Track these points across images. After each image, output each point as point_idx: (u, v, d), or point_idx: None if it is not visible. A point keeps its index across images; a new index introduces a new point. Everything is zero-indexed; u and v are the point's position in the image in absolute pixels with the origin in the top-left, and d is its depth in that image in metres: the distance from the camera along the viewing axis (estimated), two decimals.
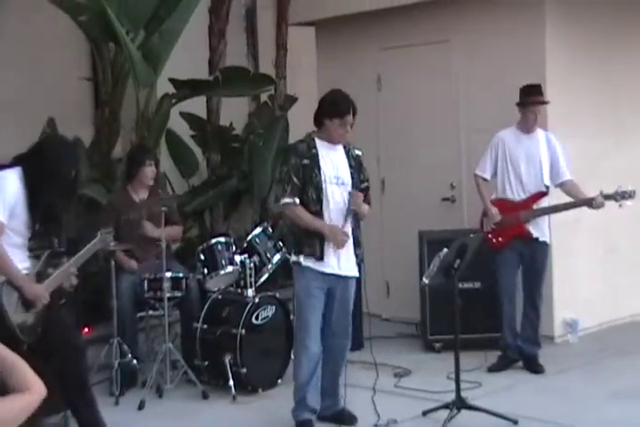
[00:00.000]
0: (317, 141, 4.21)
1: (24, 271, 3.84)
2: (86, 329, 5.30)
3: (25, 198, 3.80)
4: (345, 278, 4.26)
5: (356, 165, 4.28)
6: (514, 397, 4.78)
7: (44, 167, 3.84)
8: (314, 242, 4.14)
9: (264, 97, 7.63)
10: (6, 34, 5.94)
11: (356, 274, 4.29)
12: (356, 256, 4.25)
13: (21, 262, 3.84)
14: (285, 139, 7.13)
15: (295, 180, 4.14)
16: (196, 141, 7.12)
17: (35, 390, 1.88)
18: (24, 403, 1.85)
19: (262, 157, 6.99)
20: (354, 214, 4.21)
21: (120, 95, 6.28)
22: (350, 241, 4.20)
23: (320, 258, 4.14)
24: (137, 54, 5.80)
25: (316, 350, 4.22)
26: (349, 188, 4.21)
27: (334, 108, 4.15)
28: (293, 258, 4.22)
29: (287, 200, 4.17)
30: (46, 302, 3.85)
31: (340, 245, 4.12)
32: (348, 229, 4.19)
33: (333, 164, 4.22)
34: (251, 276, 5.13)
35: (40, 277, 3.90)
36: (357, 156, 4.32)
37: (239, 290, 5.22)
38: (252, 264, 5.15)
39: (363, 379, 4.84)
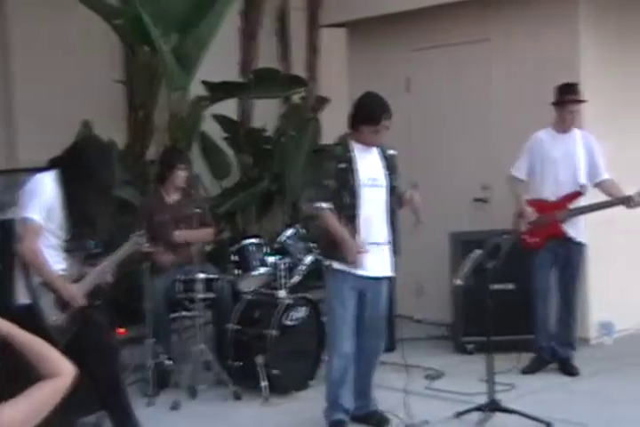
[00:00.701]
0: (353, 144, 4.20)
1: (60, 272, 3.88)
2: (121, 330, 5.34)
3: (61, 201, 3.85)
4: (378, 279, 4.24)
5: (391, 166, 4.28)
6: (547, 399, 4.73)
7: (79, 170, 3.88)
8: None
9: (295, 99, 7.64)
10: (43, 37, 6.01)
11: (389, 274, 4.27)
12: (394, 252, 4.24)
13: (57, 264, 3.88)
14: (316, 141, 7.13)
15: (329, 183, 4.12)
16: (228, 143, 7.15)
17: (64, 374, 1.94)
18: (54, 388, 1.91)
19: (293, 158, 7.00)
20: (390, 215, 4.19)
21: (153, 98, 6.33)
22: (384, 239, 4.18)
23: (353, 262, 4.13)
24: (170, 57, 5.84)
25: (348, 351, 4.21)
26: (385, 189, 4.21)
27: (369, 115, 4.13)
28: (326, 260, 4.21)
29: (319, 204, 4.15)
30: (81, 303, 3.89)
31: (351, 260, 4.07)
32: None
33: (369, 166, 4.21)
34: (283, 277, 5.14)
35: (75, 278, 3.94)
36: (391, 156, 4.31)
37: (271, 291, 5.23)
38: (283, 265, 5.16)
39: (394, 381, 4.81)
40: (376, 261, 4.19)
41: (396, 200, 4.27)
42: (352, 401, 4.32)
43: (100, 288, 4.03)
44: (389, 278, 4.34)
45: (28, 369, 1.95)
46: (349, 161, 4.14)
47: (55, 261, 3.87)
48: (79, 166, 3.89)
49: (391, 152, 4.30)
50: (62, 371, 1.96)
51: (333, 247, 4.12)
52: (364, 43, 6.95)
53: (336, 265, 4.15)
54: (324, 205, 4.13)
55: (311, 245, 5.28)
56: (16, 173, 5.79)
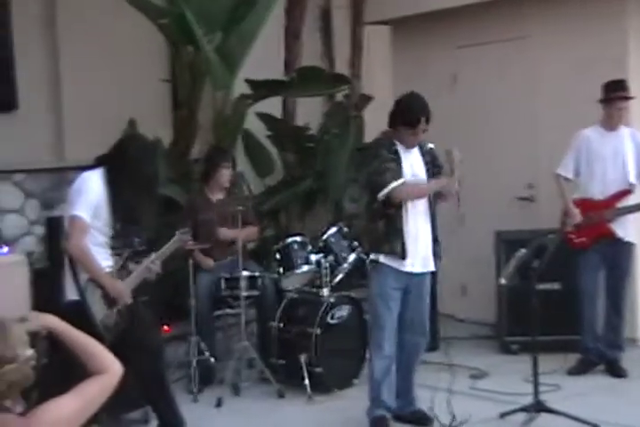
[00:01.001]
0: (396, 143, 4.21)
1: (107, 269, 3.93)
2: (166, 327, 5.39)
3: (107, 198, 3.89)
4: (422, 274, 4.24)
5: (431, 159, 4.29)
6: (594, 401, 4.66)
7: (124, 167, 3.93)
8: (396, 240, 4.12)
9: (339, 97, 7.62)
10: (90, 37, 6.09)
11: (433, 269, 4.27)
12: (435, 254, 4.24)
13: (104, 261, 3.93)
14: (360, 139, 7.10)
15: (390, 166, 4.10)
16: (271, 142, 7.16)
17: (112, 371, 1.96)
18: (103, 385, 1.93)
19: (336, 157, 6.97)
20: (431, 210, 4.20)
21: (198, 96, 6.36)
22: (429, 235, 4.19)
23: (402, 257, 4.12)
24: (214, 56, 5.87)
25: (390, 349, 4.21)
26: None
27: (407, 117, 4.13)
28: (372, 256, 4.20)
29: (394, 184, 4.10)
30: (128, 300, 3.94)
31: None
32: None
33: (411, 164, 4.22)
34: (326, 275, 5.15)
35: (122, 275, 3.98)
36: (430, 149, 4.31)
37: (314, 289, 5.24)
38: (327, 264, 5.17)
39: (437, 380, 4.77)
40: (420, 257, 4.19)
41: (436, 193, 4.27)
42: (394, 399, 4.31)
43: (145, 285, 4.08)
44: (433, 274, 4.33)
45: (77, 366, 1.98)
46: (394, 160, 4.16)
47: (102, 258, 3.92)
48: (124, 164, 3.94)
49: (430, 146, 4.30)
50: (110, 368, 1.99)
51: (383, 240, 4.13)
52: (408, 40, 6.91)
53: (382, 259, 4.16)
54: (398, 182, 4.09)
55: (354, 243, 5.27)
56: (64, 172, 5.88)
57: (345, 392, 4.97)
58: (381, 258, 4.17)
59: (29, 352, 1.92)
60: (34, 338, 1.98)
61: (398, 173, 4.12)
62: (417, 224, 4.17)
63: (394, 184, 4.09)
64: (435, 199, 4.28)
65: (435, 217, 4.28)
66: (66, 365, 2.03)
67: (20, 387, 1.91)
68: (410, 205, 4.15)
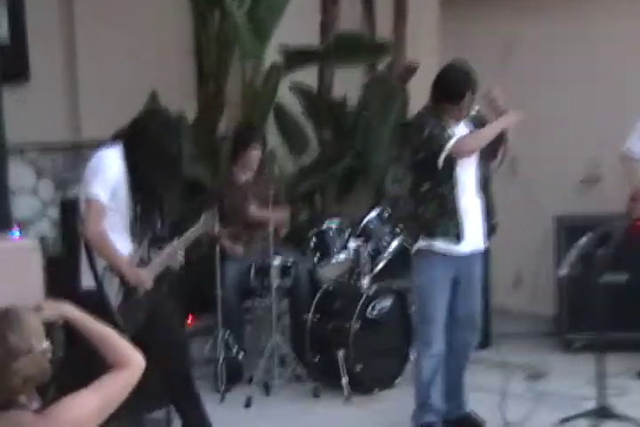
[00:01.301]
0: (441, 118, 4.19)
1: (126, 256, 3.95)
2: (191, 320, 5.42)
3: (127, 179, 3.91)
4: (473, 258, 4.24)
5: (478, 123, 4.26)
6: None
7: (145, 145, 3.93)
8: (448, 221, 4.12)
9: (381, 67, 7.56)
10: (108, 3, 6.10)
11: (484, 246, 4.27)
12: (490, 226, 4.24)
13: (123, 247, 3.95)
14: (404, 113, 7.04)
15: (438, 131, 4.11)
16: (306, 117, 7.13)
17: (134, 364, 1.97)
18: (125, 380, 1.94)
19: (378, 133, 6.94)
20: (482, 177, 4.20)
21: (225, 68, 6.36)
22: (479, 212, 4.18)
23: (457, 239, 4.11)
24: (243, 22, 5.85)
25: (439, 346, 4.21)
26: (476, 160, 4.19)
27: (450, 92, 4.12)
28: (421, 242, 4.19)
29: (452, 141, 4.08)
30: (149, 289, 3.96)
31: None
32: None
33: (459, 130, 4.20)
34: (366, 264, 5.15)
35: (142, 261, 4.01)
36: (477, 113, 4.27)
37: (353, 279, 5.25)
38: (367, 251, 5.18)
39: (490, 381, 4.76)
40: (472, 237, 4.18)
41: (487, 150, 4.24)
42: (443, 403, 4.30)
43: (168, 273, 4.10)
44: (484, 256, 4.31)
45: (96, 359, 1.99)
46: (441, 126, 4.14)
47: (121, 244, 3.93)
48: (144, 141, 3.94)
49: (472, 112, 4.24)
50: (133, 362, 2.00)
51: (434, 223, 4.13)
52: (457, 3, 6.84)
53: (431, 245, 4.15)
54: (454, 138, 4.09)
55: (397, 228, 5.25)
56: (79, 149, 5.92)
57: (386, 393, 4.98)
58: (430, 243, 4.15)
59: (45, 344, 1.94)
60: (50, 329, 1.99)
61: (439, 146, 4.10)
62: (468, 202, 4.19)
63: (452, 141, 4.07)
64: (485, 164, 4.24)
65: (488, 187, 4.26)
66: (84, 358, 2.05)
67: (36, 382, 1.93)
68: (459, 180, 4.13)
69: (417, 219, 4.27)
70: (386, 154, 6.86)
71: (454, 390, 4.38)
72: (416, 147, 4.18)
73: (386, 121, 6.97)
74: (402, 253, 5.20)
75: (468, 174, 4.19)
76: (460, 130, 4.22)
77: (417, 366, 4.35)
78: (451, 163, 4.11)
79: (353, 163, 6.93)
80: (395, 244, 5.27)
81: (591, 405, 4.30)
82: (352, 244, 5.28)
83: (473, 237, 4.20)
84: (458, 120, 4.21)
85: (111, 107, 5.75)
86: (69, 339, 2.06)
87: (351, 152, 6.97)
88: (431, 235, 4.15)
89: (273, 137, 6.59)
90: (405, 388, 4.64)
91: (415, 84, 7.25)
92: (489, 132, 4.16)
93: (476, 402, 4.40)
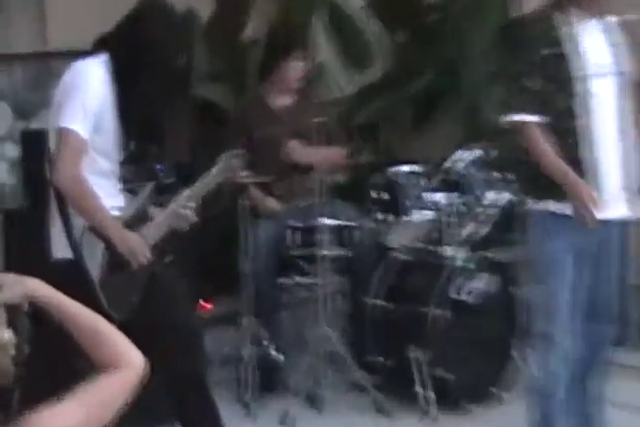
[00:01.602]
0: (565, 17, 4.15)
1: (114, 213, 3.98)
2: (206, 304, 5.48)
3: (115, 101, 3.92)
4: (612, 226, 4.22)
5: (619, 39, 4.24)
6: None
7: (141, 53, 3.94)
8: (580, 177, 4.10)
9: None
10: None
11: (630, 215, 4.25)
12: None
13: (110, 199, 3.98)
14: (506, 12, 6.99)
15: (532, 84, 4.14)
16: (369, 15, 7.11)
17: (132, 365, 2.00)
18: (119, 385, 1.99)
19: (472, 39, 6.91)
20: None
21: None
22: (621, 166, 4.17)
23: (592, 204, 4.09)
24: None
25: (567, 344, 4.21)
26: (619, 80, 4.17)
27: None
28: (540, 204, 4.19)
29: (519, 118, 4.17)
30: (146, 260, 4.00)
31: (584, 211, 4.05)
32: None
33: (593, 47, 4.16)
34: (453, 226, 5.16)
35: (138, 221, 4.04)
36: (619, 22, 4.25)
37: (435, 248, 5.27)
38: (454, 208, 5.21)
39: (633, 392, 4.76)
40: (609, 197, 4.15)
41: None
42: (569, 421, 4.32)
43: (174, 239, 4.13)
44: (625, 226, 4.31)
45: (75, 356, 2.01)
46: (563, 42, 4.12)
47: (107, 195, 3.96)
48: (139, 48, 3.95)
49: (613, 19, 4.23)
50: (129, 361, 2.02)
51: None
52: None
53: (552, 207, 4.14)
54: (527, 118, 4.12)
55: (502, 176, 5.23)
56: (46, 60, 5.94)
57: (482, 408, 5.00)
58: (553, 206, 4.15)
59: (7, 335, 1.96)
60: (12, 314, 2.01)
61: (558, 73, 4.11)
62: (599, 146, 4.17)
63: (519, 118, 4.16)
64: None
65: None
66: (59, 353, 2.07)
67: None
68: (589, 117, 4.12)
69: (535, 168, 4.26)
70: (483, 68, 6.83)
71: (585, 404, 4.37)
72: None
73: (483, 22, 6.93)
74: (506, 212, 5.22)
75: (603, 110, 4.16)
76: (594, 33, 4.20)
77: (535, 371, 4.38)
78: (573, 94, 4.11)
79: (436, 81, 6.91)
80: (496, 199, 5.29)
81: None
82: (434, 197, 5.31)
83: (613, 201, 4.17)
84: (594, 13, 4.17)
85: (91, 2, 5.77)
86: (38, 328, 2.08)
87: (434, 66, 6.94)
88: (553, 195, 4.14)
89: (322, 45, 6.58)
90: (509, 401, 4.66)
91: None
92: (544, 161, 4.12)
93: (617, 422, 4.39)
